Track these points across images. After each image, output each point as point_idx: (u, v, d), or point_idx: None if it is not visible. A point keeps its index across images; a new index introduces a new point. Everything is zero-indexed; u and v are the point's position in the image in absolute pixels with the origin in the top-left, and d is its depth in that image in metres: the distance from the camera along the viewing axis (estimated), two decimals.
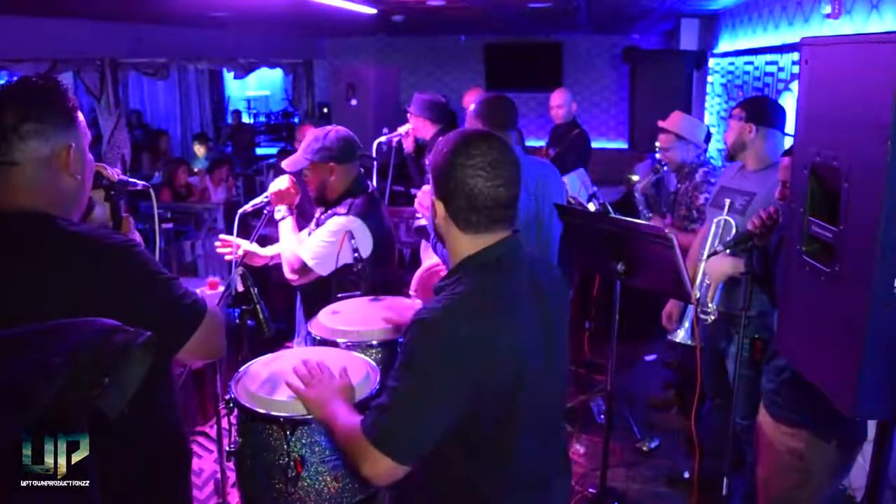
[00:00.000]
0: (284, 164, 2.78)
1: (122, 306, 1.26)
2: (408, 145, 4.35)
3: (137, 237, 1.63)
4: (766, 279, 2.21)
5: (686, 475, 3.30)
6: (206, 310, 1.42)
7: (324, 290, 2.62)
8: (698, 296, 2.48)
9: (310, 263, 2.57)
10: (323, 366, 1.80)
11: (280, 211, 2.73)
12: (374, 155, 4.11)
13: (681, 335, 2.39)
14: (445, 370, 1.37)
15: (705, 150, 3.68)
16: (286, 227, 2.72)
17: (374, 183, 3.84)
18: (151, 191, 1.88)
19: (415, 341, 1.40)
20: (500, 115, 2.88)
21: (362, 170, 2.82)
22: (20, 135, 1.28)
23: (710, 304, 2.41)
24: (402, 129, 4.26)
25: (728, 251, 2.27)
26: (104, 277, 1.29)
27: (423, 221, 3.05)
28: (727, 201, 2.69)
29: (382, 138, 4.22)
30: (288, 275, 2.64)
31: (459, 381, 1.37)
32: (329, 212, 2.69)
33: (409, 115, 4.27)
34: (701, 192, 3.39)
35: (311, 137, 2.72)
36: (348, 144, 2.70)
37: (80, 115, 1.39)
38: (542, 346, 1.49)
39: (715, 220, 2.64)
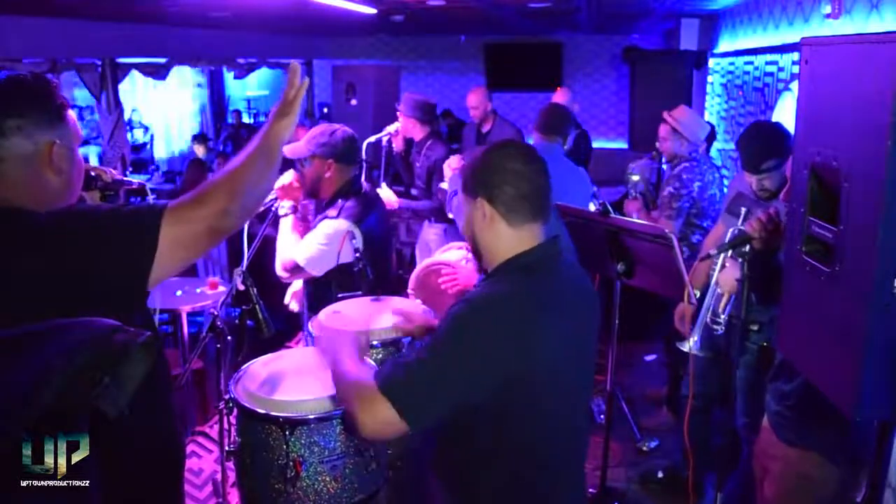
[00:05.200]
0: (286, 149, 2.78)
1: (85, 254, 1.26)
2: (398, 144, 4.34)
3: None
4: (765, 284, 2.18)
5: (660, 474, 3.32)
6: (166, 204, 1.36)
7: (329, 288, 2.63)
8: (709, 305, 2.44)
9: (302, 264, 2.59)
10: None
11: (283, 207, 2.74)
12: (364, 156, 4.11)
13: (689, 345, 2.36)
14: (480, 355, 1.38)
15: (705, 150, 3.72)
16: (286, 225, 2.73)
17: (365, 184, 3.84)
18: (148, 188, 1.88)
19: (457, 317, 1.41)
20: (546, 121, 3.47)
21: (359, 173, 2.82)
22: (3, 131, 1.28)
23: (721, 315, 2.39)
24: (390, 128, 4.25)
25: (723, 255, 2.24)
26: (61, 241, 1.28)
27: (444, 185, 3.19)
28: (743, 210, 2.53)
29: (372, 138, 4.21)
30: (279, 272, 2.66)
31: (489, 368, 1.38)
32: (320, 215, 2.69)
33: (399, 114, 4.27)
34: (669, 184, 3.54)
35: (317, 131, 2.75)
36: (351, 147, 2.74)
37: (71, 114, 1.39)
38: (576, 356, 1.50)
39: (730, 231, 2.57)
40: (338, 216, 2.62)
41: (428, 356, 1.39)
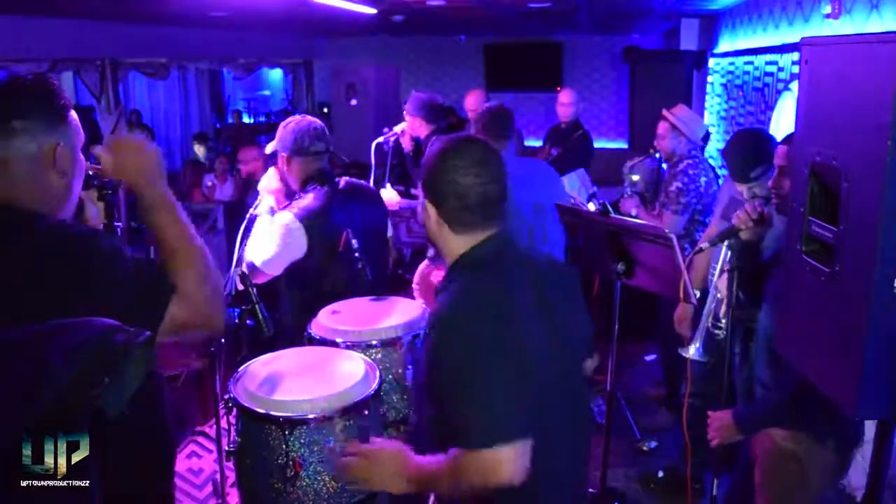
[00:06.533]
0: (269, 146, 2.79)
1: (85, 294, 1.23)
2: (406, 144, 4.32)
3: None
4: (751, 276, 2.19)
5: (660, 474, 3.33)
6: (174, 287, 1.31)
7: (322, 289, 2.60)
8: (710, 310, 2.44)
9: (258, 263, 2.52)
10: (357, 451, 1.61)
11: (261, 206, 2.68)
12: (373, 157, 4.08)
13: (691, 351, 2.36)
14: (485, 350, 1.37)
15: (701, 148, 3.72)
16: (258, 225, 2.66)
17: (372, 185, 3.82)
18: None
19: (444, 341, 1.41)
20: (497, 124, 3.10)
21: (327, 165, 2.75)
22: (7, 132, 1.28)
23: (722, 320, 2.39)
24: (397, 129, 4.23)
25: (722, 260, 2.25)
26: (65, 267, 1.26)
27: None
28: None
29: (380, 139, 4.19)
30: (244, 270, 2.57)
31: (500, 352, 1.37)
32: (281, 207, 2.66)
33: (405, 113, 4.26)
34: (676, 179, 3.52)
35: (280, 125, 2.73)
36: (300, 138, 2.64)
37: (74, 115, 1.39)
38: (550, 347, 1.48)
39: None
40: (286, 207, 2.57)
41: (462, 386, 1.36)
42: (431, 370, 1.43)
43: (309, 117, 2.76)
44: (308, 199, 2.59)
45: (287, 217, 2.53)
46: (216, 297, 1.34)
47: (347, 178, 2.84)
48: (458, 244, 1.51)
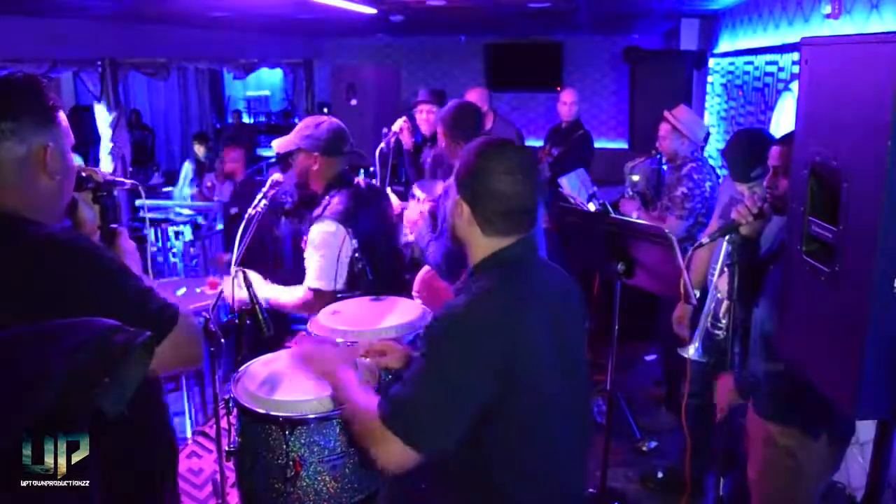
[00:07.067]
0: (275, 143, 2.76)
1: (82, 313, 1.19)
2: (406, 141, 4.27)
3: (130, 247, 1.62)
4: (749, 273, 2.19)
5: (660, 474, 3.33)
6: (177, 317, 1.34)
7: None
8: (709, 310, 2.44)
9: (317, 286, 2.50)
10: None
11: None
12: (377, 162, 4.05)
13: (691, 352, 2.35)
14: (469, 361, 1.38)
15: (701, 148, 3.72)
16: (265, 290, 2.54)
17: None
18: (141, 189, 1.87)
19: (438, 334, 1.43)
20: (466, 122, 2.92)
21: (348, 167, 2.76)
22: None
23: (722, 320, 2.39)
24: (395, 127, 4.20)
25: (721, 260, 2.24)
26: (63, 282, 1.24)
27: (410, 237, 3.00)
28: None
29: (382, 144, 4.14)
30: (308, 314, 2.49)
31: (482, 371, 1.38)
32: (312, 216, 2.64)
33: (425, 104, 4.21)
34: (681, 184, 3.52)
35: (304, 123, 2.71)
36: (337, 138, 2.65)
37: (62, 115, 1.37)
38: (557, 351, 1.49)
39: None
40: (322, 215, 2.56)
41: (423, 375, 1.41)
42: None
43: (333, 118, 2.76)
44: (335, 203, 2.59)
45: (323, 225, 2.52)
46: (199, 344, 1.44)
47: (365, 178, 2.85)
48: (484, 246, 1.51)
